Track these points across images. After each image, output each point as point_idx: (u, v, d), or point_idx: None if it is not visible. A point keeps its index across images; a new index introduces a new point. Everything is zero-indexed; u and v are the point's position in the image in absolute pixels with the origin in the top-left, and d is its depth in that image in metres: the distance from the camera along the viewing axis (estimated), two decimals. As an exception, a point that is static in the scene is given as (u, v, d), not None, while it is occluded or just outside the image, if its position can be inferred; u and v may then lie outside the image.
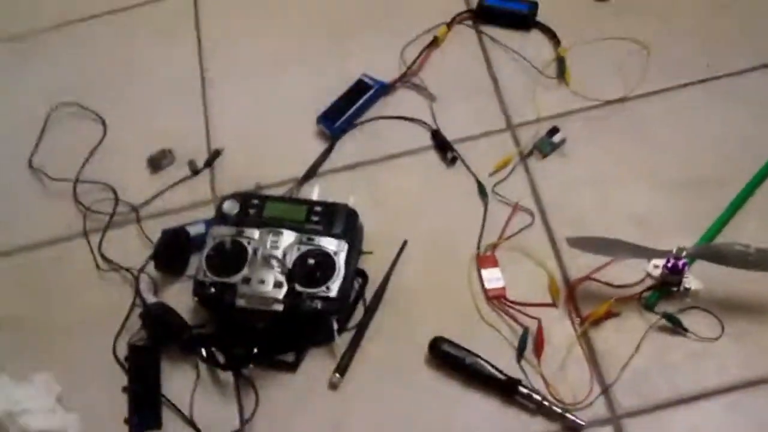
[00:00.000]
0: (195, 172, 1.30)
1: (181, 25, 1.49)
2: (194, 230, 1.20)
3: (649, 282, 1.09)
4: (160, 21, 1.50)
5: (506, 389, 1.04)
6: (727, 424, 1.01)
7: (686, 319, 1.06)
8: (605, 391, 1.04)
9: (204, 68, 1.42)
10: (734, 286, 1.08)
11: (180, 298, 1.15)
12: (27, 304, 1.22)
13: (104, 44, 1.49)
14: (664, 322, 1.06)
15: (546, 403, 1.03)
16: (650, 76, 1.27)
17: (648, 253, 1.06)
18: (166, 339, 1.13)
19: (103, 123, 1.37)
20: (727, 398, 1.02)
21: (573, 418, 1.02)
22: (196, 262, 1.13)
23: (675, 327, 1.06)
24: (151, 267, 1.19)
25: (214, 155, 1.31)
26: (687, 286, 1.08)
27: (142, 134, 1.36)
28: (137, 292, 1.17)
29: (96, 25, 1.52)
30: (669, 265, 1.06)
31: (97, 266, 1.23)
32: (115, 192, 1.28)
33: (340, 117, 1.30)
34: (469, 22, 1.39)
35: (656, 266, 1.09)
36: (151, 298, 1.16)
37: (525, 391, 1.04)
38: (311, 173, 1.27)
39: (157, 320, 1.12)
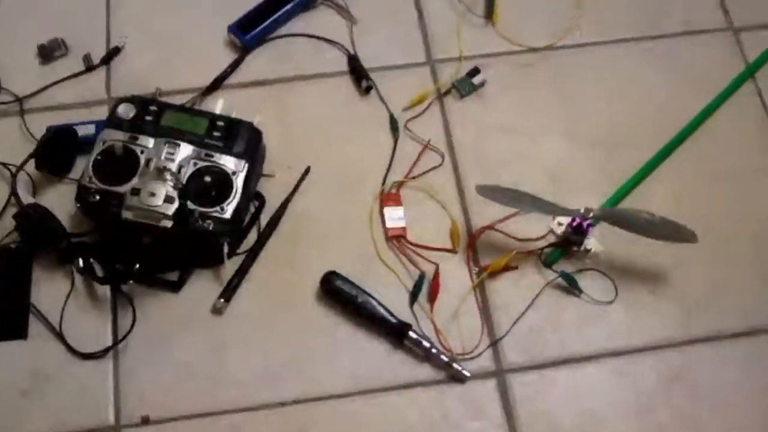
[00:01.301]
0: (90, 67, 1.21)
1: None
2: (83, 131, 1.12)
3: (551, 238, 1.09)
4: None
5: (395, 333, 1.03)
6: (609, 389, 1.02)
7: (583, 281, 1.06)
8: (494, 344, 1.03)
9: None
10: (633, 252, 1.09)
11: (60, 202, 1.09)
12: None
13: None
14: (560, 280, 1.06)
15: (434, 350, 1.01)
16: (580, 27, 1.25)
17: (555, 210, 1.05)
18: (40, 245, 1.06)
19: (-10, 2, 1.26)
20: (611, 363, 1.03)
21: (459, 368, 1.01)
22: (82, 166, 1.05)
23: (571, 287, 1.06)
24: (31, 165, 1.10)
25: (113, 52, 1.22)
26: (588, 247, 1.08)
27: (34, 19, 1.25)
28: (13, 191, 1.09)
29: None
30: (573, 224, 1.05)
31: (-29, 159, 1.14)
32: (-3, 78, 1.19)
33: (254, 28, 1.23)
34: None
35: (560, 224, 1.08)
36: (28, 199, 1.08)
37: (414, 336, 1.02)
38: (216, 85, 1.20)
39: (33, 223, 1.05)
